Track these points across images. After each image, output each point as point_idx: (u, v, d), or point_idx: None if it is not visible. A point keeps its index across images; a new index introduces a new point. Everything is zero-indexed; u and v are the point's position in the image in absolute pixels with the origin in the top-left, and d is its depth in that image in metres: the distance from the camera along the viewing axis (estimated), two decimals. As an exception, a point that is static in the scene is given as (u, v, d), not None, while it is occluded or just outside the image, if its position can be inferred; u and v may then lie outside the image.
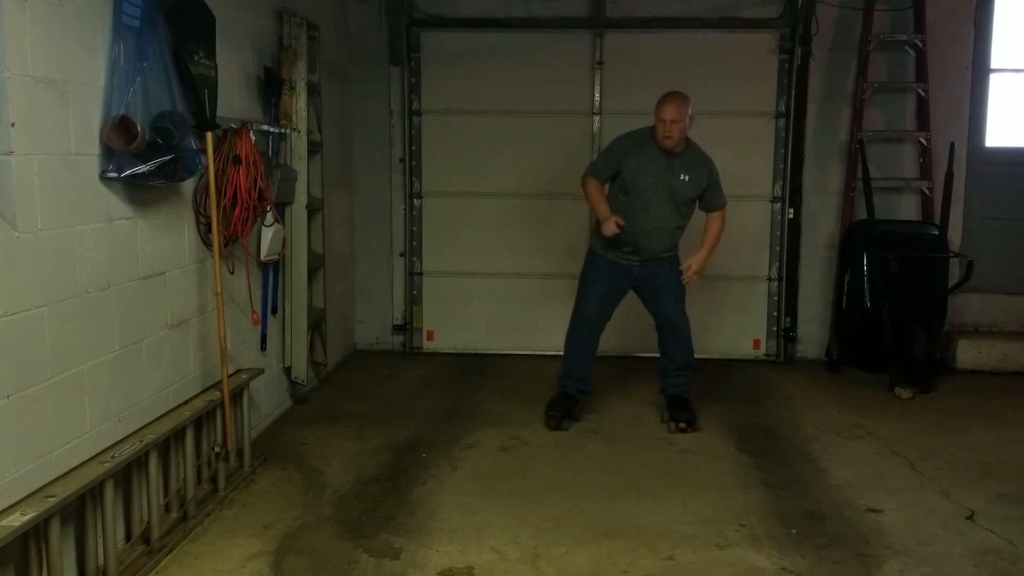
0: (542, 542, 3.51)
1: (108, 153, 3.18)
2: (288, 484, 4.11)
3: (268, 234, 4.52)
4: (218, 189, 3.84)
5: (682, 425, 4.83)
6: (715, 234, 4.86)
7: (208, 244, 3.92)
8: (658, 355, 5.07)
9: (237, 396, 4.09)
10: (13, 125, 2.69)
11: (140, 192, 3.41)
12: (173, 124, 3.26)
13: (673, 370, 5.00)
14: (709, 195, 4.84)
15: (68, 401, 3.01)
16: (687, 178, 4.71)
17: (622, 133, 4.90)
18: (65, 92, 2.97)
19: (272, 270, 4.86)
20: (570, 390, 4.98)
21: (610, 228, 4.63)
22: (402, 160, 6.47)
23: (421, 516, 3.75)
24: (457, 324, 6.62)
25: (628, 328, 6.49)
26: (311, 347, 5.46)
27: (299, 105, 4.88)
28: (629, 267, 4.83)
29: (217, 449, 3.88)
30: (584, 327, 4.95)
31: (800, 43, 6.15)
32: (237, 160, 3.99)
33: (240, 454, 4.13)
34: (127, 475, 3.35)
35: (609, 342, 6.49)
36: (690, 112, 4.63)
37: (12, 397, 2.72)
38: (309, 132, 5.10)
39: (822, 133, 6.33)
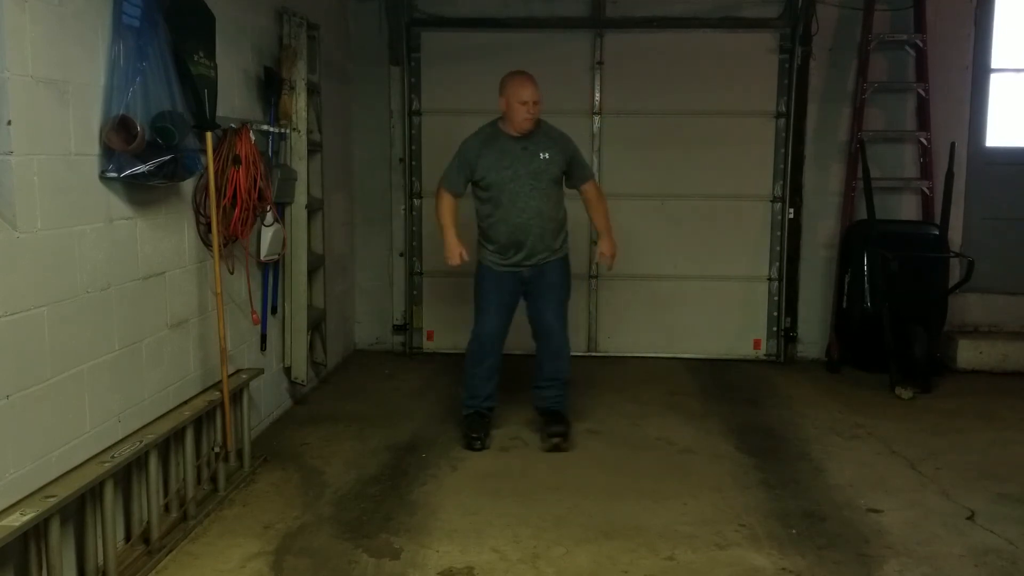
0: (542, 542, 3.51)
1: (108, 153, 3.18)
2: (288, 484, 4.11)
3: (268, 234, 4.52)
4: (218, 189, 3.84)
5: (556, 440, 4.53)
6: (604, 209, 4.67)
7: (208, 244, 3.92)
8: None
9: (237, 396, 4.09)
10: (9, 123, 2.69)
11: (140, 192, 3.41)
12: (173, 124, 3.25)
13: (545, 383, 4.66)
14: (575, 170, 4.62)
15: (68, 401, 3.01)
16: (547, 155, 4.49)
17: (469, 136, 4.64)
18: (65, 92, 2.97)
19: (272, 270, 4.85)
20: (481, 409, 4.67)
21: (453, 258, 4.49)
22: (402, 160, 6.47)
23: (421, 516, 3.75)
24: (457, 324, 6.58)
25: (626, 327, 6.52)
26: (311, 347, 5.46)
27: (299, 105, 4.88)
28: (518, 273, 4.57)
29: (217, 449, 3.88)
30: (488, 344, 4.61)
31: (800, 43, 6.15)
32: (237, 160, 3.99)
33: (240, 454, 4.13)
34: (127, 475, 3.35)
35: (608, 342, 6.55)
36: None
37: (12, 397, 2.72)
38: (309, 132, 5.10)
39: (822, 133, 6.32)
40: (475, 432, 4.58)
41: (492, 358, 4.65)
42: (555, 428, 4.58)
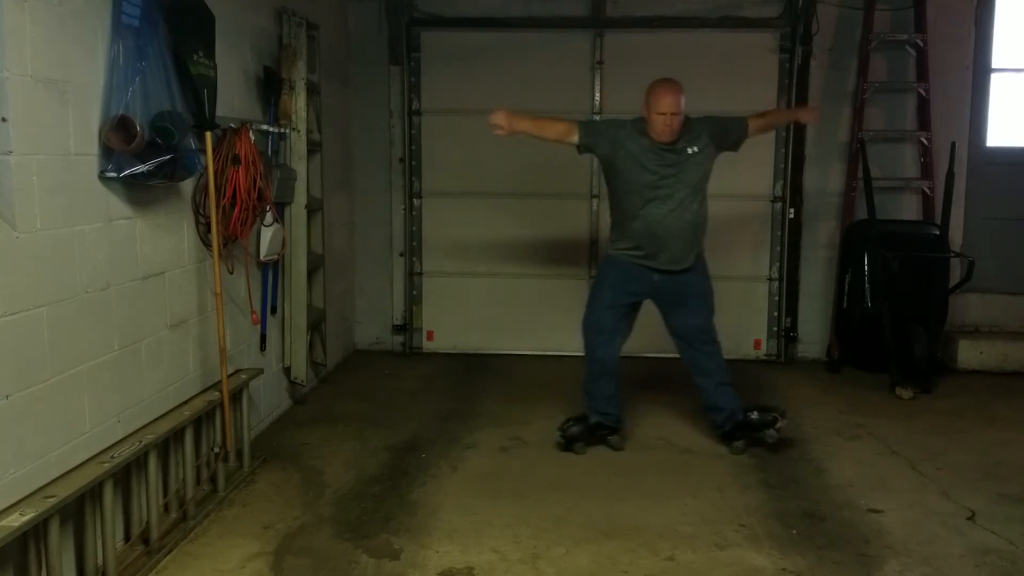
0: (542, 542, 3.51)
1: (107, 153, 3.18)
2: (288, 484, 4.10)
3: (267, 234, 4.52)
4: (217, 189, 3.84)
5: (779, 426, 4.47)
6: (772, 113, 4.84)
7: (207, 244, 3.92)
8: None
9: (237, 396, 4.09)
10: (4, 120, 2.69)
11: (139, 192, 3.41)
12: (172, 124, 3.26)
13: (718, 384, 4.52)
14: (733, 130, 4.38)
15: (68, 401, 3.01)
16: (696, 148, 4.24)
17: (610, 119, 4.44)
18: (65, 92, 2.97)
19: (272, 270, 4.85)
20: (600, 417, 4.53)
21: (498, 116, 4.32)
22: (402, 160, 6.47)
23: (421, 516, 3.75)
24: (457, 324, 6.62)
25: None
26: (311, 347, 5.46)
27: (299, 105, 4.88)
28: (649, 274, 4.33)
29: (216, 449, 3.88)
30: (598, 340, 4.42)
31: (800, 43, 6.15)
32: (236, 160, 3.99)
33: (240, 454, 4.13)
34: (126, 475, 3.35)
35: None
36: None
37: (12, 397, 2.72)
38: (309, 132, 5.10)
39: (822, 133, 6.32)
40: (568, 426, 4.51)
41: (607, 357, 4.45)
42: (768, 417, 4.50)
